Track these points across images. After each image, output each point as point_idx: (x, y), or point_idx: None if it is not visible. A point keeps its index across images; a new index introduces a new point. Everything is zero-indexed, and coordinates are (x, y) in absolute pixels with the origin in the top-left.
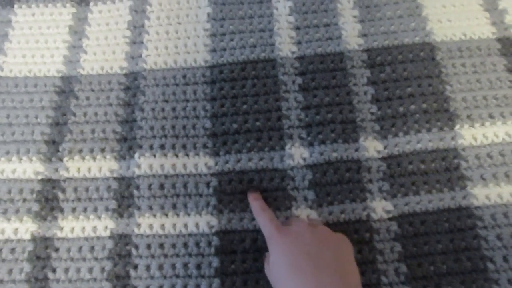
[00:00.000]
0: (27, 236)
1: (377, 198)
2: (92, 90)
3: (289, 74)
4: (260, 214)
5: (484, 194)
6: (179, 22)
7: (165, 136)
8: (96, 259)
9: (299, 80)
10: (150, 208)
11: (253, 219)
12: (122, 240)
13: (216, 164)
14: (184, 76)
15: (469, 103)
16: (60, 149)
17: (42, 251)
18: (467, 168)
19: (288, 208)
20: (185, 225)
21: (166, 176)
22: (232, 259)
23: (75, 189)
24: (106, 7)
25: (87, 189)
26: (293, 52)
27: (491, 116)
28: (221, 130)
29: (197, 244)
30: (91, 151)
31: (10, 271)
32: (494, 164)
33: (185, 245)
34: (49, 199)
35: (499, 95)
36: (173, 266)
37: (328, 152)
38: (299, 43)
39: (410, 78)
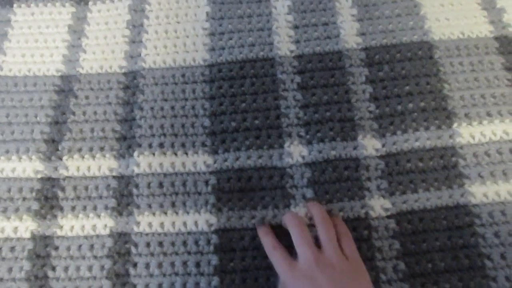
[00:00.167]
0: (27, 235)
1: (376, 196)
2: (92, 89)
3: (287, 73)
4: (273, 253)
5: (482, 192)
6: (178, 21)
7: (164, 135)
8: (95, 257)
9: (297, 78)
10: (149, 206)
11: (252, 217)
12: (122, 238)
13: (215, 162)
14: (183, 75)
15: (467, 102)
16: (59, 148)
17: (42, 249)
18: (465, 166)
19: (287, 206)
20: (184, 223)
21: (165, 175)
22: (231, 257)
23: (75, 188)
24: (105, 6)
25: (86, 188)
26: (291, 51)
27: (489, 115)
28: (220, 129)
29: (196, 242)
30: (91, 149)
31: (10, 270)
32: (491, 162)
33: (184, 243)
34: (48, 197)
35: (497, 93)
36: (172, 264)
37: (326, 150)
38: (297, 42)
39: (408, 77)
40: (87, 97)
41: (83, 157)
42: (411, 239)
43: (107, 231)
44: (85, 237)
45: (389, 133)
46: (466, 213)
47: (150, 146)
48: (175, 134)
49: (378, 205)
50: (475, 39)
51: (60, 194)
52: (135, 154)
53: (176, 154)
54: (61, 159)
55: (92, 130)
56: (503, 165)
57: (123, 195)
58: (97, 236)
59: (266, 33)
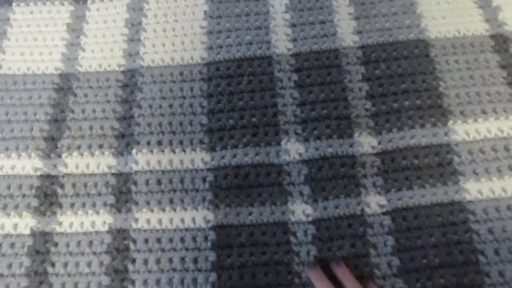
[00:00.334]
0: (27, 231)
1: (371, 193)
2: (90, 87)
3: (284, 71)
4: None
5: (476, 188)
6: (176, 20)
7: (162, 132)
8: (94, 253)
9: (294, 76)
10: (148, 203)
11: (250, 213)
12: (120, 234)
13: (212, 159)
14: (181, 73)
15: (462, 99)
16: (58, 146)
17: (41, 245)
18: (460, 163)
19: (284, 203)
20: (182, 220)
21: (163, 172)
22: (229, 253)
23: (74, 185)
24: (103, 5)
25: (85, 185)
26: (289, 49)
27: (484, 112)
28: (217, 126)
29: (194, 239)
30: (89, 147)
31: (10, 266)
32: (486, 159)
33: (182, 239)
34: (48, 194)
35: (492, 91)
36: (170, 260)
37: (323, 148)
38: (294, 40)
39: (404, 75)
40: (86, 95)
41: (82, 155)
42: (406, 235)
43: (106, 228)
44: (84, 234)
45: (385, 131)
46: (460, 210)
47: (148, 143)
48: (173, 132)
49: (374, 202)
50: (470, 37)
51: (59, 191)
52: (134, 151)
53: (174, 152)
54: (60, 156)
55: (91, 128)
56: (497, 162)
57: (122, 192)
58: (96, 232)
59: (263, 31)
